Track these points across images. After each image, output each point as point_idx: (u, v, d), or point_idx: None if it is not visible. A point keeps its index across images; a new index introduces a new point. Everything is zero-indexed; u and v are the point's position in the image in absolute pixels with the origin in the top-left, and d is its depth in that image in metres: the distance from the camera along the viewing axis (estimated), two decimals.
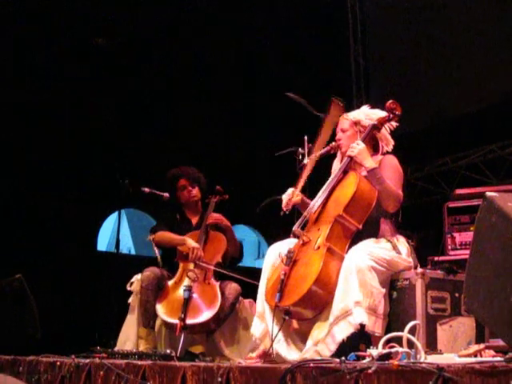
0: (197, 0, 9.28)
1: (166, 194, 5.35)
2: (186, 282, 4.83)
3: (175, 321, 4.60)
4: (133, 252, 23.01)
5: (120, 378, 3.57)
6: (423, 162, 8.58)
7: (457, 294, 3.72)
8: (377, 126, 4.07)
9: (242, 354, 4.70)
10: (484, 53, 7.74)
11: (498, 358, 2.62)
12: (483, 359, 2.75)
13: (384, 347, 2.91)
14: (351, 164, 4.01)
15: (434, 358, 2.90)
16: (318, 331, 3.61)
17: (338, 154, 4.26)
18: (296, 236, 3.92)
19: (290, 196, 4.10)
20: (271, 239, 4.41)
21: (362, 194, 3.84)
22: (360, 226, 3.81)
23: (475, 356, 2.88)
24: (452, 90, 8.10)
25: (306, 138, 4.22)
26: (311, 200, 4.11)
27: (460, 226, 6.29)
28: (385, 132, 4.14)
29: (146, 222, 10.91)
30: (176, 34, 9.25)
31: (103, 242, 16.75)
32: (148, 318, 4.84)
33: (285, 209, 4.11)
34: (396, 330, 3.12)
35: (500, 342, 2.76)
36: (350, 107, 4.41)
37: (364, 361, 2.84)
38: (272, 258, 3.99)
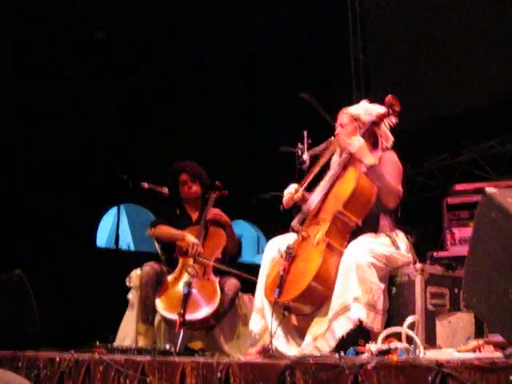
0: (197, 0, 9.26)
1: (166, 190, 5.34)
2: (186, 277, 4.82)
3: (174, 316, 4.60)
4: (132, 247, 22.98)
5: (119, 373, 3.57)
6: (423, 158, 8.58)
7: (456, 290, 3.73)
8: (376, 122, 4.07)
9: (242, 349, 4.70)
10: (485, 48, 7.72)
11: (497, 354, 2.63)
12: (482, 355, 2.75)
13: (383, 343, 2.91)
14: (351, 160, 4.01)
15: (432, 354, 2.91)
16: (317, 327, 3.62)
17: (338, 149, 4.26)
18: (295, 232, 3.92)
19: (292, 194, 4.10)
20: (270, 234, 4.41)
21: (361, 190, 3.84)
22: (359, 222, 3.81)
23: (474, 351, 2.89)
24: (452, 86, 8.09)
25: (305, 132, 4.21)
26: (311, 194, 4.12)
27: (459, 221, 6.29)
28: (384, 128, 4.13)
29: (145, 217, 10.90)
30: (176, 34, 9.22)
31: (102, 238, 16.70)
32: (147, 313, 4.84)
33: (285, 205, 4.11)
34: (395, 326, 3.12)
35: (499, 338, 2.76)
36: (349, 102, 4.40)
37: (363, 356, 2.84)
38: (271, 253, 3.99)
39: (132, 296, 5.03)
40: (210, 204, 5.27)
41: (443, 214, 6.40)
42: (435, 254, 5.95)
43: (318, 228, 3.83)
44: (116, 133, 8.81)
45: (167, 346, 4.01)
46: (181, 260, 5.00)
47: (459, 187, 6.52)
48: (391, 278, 3.76)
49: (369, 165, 3.86)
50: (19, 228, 8.25)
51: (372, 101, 4.26)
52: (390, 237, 3.83)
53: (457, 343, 3.44)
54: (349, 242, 3.74)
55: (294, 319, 3.84)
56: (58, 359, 4.16)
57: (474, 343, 2.98)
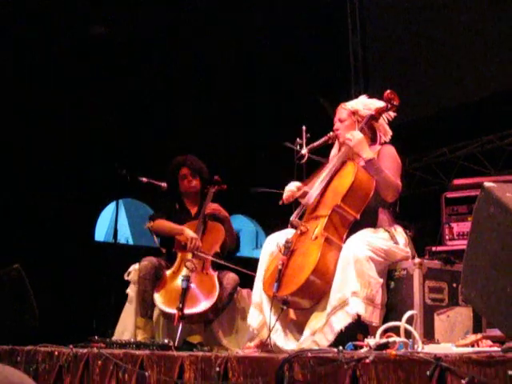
0: (197, 0, 9.25)
1: (164, 184, 5.34)
2: (184, 271, 4.83)
3: (173, 311, 4.61)
4: (131, 242, 23.01)
5: (118, 367, 3.58)
6: (421, 153, 8.58)
7: (454, 284, 3.73)
8: (375, 116, 4.08)
9: (240, 343, 4.71)
10: (484, 44, 7.73)
11: (495, 348, 2.63)
12: (480, 349, 2.76)
13: (381, 337, 2.91)
14: (349, 154, 4.01)
15: (431, 348, 2.91)
16: (316, 321, 3.62)
17: (336, 144, 4.26)
18: (294, 226, 3.92)
19: (293, 192, 4.09)
20: (269, 229, 4.42)
21: (359, 184, 3.84)
22: (358, 216, 3.82)
23: (472, 346, 2.89)
24: (451, 81, 8.09)
25: (304, 127, 4.20)
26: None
27: (458, 216, 6.29)
28: (383, 122, 4.14)
29: (143, 211, 10.92)
30: (176, 34, 9.23)
31: (101, 232, 16.74)
32: (146, 307, 4.84)
33: (286, 201, 4.11)
34: (393, 320, 3.12)
35: (497, 332, 2.76)
36: (348, 97, 4.40)
37: (361, 350, 2.85)
38: (269, 248, 3.99)
39: (130, 290, 5.03)
40: (209, 198, 5.27)
41: (442, 209, 6.40)
42: (434, 248, 5.94)
43: (316, 222, 3.83)
44: (116, 133, 8.81)
45: (166, 340, 4.02)
46: (179, 254, 5.01)
47: (458, 182, 6.51)
48: (390, 272, 3.76)
49: (367, 159, 3.86)
50: (18, 223, 8.25)
51: (371, 96, 4.27)
52: (388, 231, 3.83)
53: (455, 338, 3.44)
54: (348, 237, 3.74)
55: (292, 314, 3.84)
56: (56, 353, 4.17)
57: (472, 338, 2.98)
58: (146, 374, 3.36)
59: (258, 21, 9.53)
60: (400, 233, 3.89)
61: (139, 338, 4.74)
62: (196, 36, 9.22)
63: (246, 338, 4.21)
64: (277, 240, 3.91)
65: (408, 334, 2.91)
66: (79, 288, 8.34)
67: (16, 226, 8.21)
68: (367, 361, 2.30)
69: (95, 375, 3.78)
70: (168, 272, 4.93)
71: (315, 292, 3.66)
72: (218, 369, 2.91)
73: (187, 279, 4.71)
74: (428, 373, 2.09)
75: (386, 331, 2.97)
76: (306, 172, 4.27)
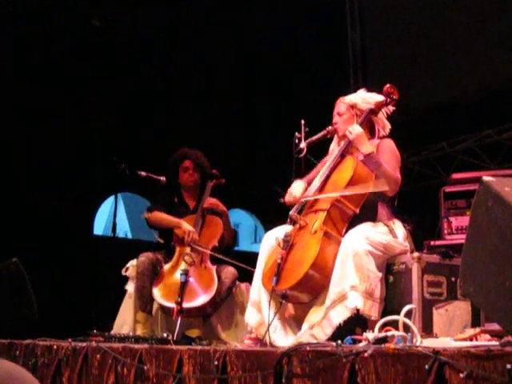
0: (197, 0, 9.24)
1: (163, 178, 5.34)
2: (183, 265, 4.83)
3: (172, 304, 4.61)
4: (129, 236, 23.05)
5: (117, 361, 3.58)
6: (420, 147, 8.57)
7: (453, 278, 3.73)
8: (374, 111, 4.08)
9: (239, 337, 4.72)
10: (483, 38, 7.71)
11: (494, 342, 2.64)
12: (479, 343, 2.76)
13: (380, 331, 2.92)
14: (348, 148, 4.01)
15: (429, 342, 2.91)
16: (314, 315, 3.62)
17: (335, 138, 4.26)
18: (293, 220, 3.92)
19: (296, 198, 4.06)
20: (268, 224, 4.42)
21: (359, 179, 3.84)
22: (357, 210, 3.82)
23: (471, 340, 2.89)
24: (450, 75, 8.08)
25: (303, 121, 4.20)
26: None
27: (456, 210, 6.30)
28: (381, 116, 4.14)
29: (142, 205, 10.90)
30: (176, 34, 9.22)
31: (100, 226, 16.76)
32: (145, 302, 4.84)
33: (287, 203, 4.11)
34: (392, 314, 3.13)
35: (495, 326, 2.77)
36: (347, 92, 4.40)
37: (360, 344, 2.85)
38: (268, 243, 3.99)
39: (129, 287, 5.04)
40: (207, 193, 5.27)
41: (440, 203, 6.40)
42: (432, 242, 5.95)
43: (315, 216, 3.83)
44: (116, 133, 8.81)
45: (164, 334, 4.02)
46: (178, 249, 5.01)
47: (456, 176, 6.52)
48: (388, 266, 3.76)
49: (366, 153, 3.86)
50: (16, 218, 8.25)
51: (370, 90, 4.27)
52: (387, 226, 3.83)
53: (454, 332, 3.45)
54: (347, 231, 3.74)
55: (290, 308, 3.84)
56: (55, 347, 4.18)
57: (470, 332, 2.98)
58: (145, 367, 3.37)
59: (257, 21, 9.52)
60: (399, 227, 3.89)
61: (138, 332, 4.74)
62: (196, 36, 9.22)
63: (245, 332, 4.21)
64: (276, 235, 3.91)
65: (406, 328, 2.91)
66: (78, 282, 8.34)
67: (15, 220, 8.21)
68: (366, 355, 2.30)
69: (94, 369, 3.79)
70: (166, 266, 4.93)
71: (314, 286, 3.66)
72: (216, 362, 2.92)
73: (186, 273, 4.72)
74: (426, 367, 2.09)
75: (384, 325, 2.98)
76: (305, 166, 4.27)
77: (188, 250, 4.93)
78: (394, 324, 2.97)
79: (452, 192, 6.37)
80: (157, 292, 4.78)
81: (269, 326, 3.65)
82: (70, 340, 4.14)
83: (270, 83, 9.58)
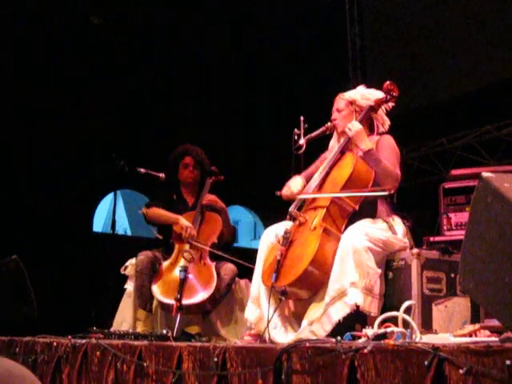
0: (197, 0, 9.24)
1: (162, 175, 5.33)
2: (182, 262, 4.83)
3: (171, 301, 4.61)
4: (129, 233, 23.05)
5: (116, 358, 3.59)
6: (419, 143, 8.58)
7: (452, 275, 3.73)
8: (374, 108, 4.08)
9: (238, 334, 4.72)
10: (482, 34, 7.71)
11: (493, 338, 2.64)
12: (478, 339, 2.76)
13: (379, 327, 2.92)
14: (348, 145, 4.01)
15: (429, 338, 2.91)
16: (314, 311, 3.62)
17: (335, 134, 4.26)
18: (292, 217, 3.92)
19: (293, 194, 4.06)
20: (267, 220, 4.42)
21: (358, 175, 3.84)
22: (356, 207, 3.82)
23: (470, 336, 2.89)
24: (449, 71, 8.08)
25: (302, 118, 4.20)
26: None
27: (456, 206, 6.30)
28: (381, 112, 4.14)
29: (141, 202, 10.90)
30: (176, 34, 9.23)
31: (99, 223, 16.75)
32: (145, 301, 4.83)
33: (284, 197, 4.11)
34: (391, 310, 3.12)
35: (495, 322, 2.77)
36: (346, 88, 4.40)
37: (360, 341, 2.85)
38: (267, 241, 3.99)
39: (128, 285, 5.04)
40: (206, 189, 5.26)
41: (440, 199, 6.40)
42: (432, 238, 5.95)
43: (315, 213, 3.83)
44: (116, 133, 8.81)
45: (164, 331, 4.02)
46: (177, 246, 5.01)
47: (456, 172, 6.52)
48: (388, 262, 3.76)
49: (365, 150, 3.86)
50: (16, 214, 8.25)
51: (369, 86, 4.27)
52: (387, 222, 3.83)
53: (453, 328, 3.45)
54: (346, 228, 3.74)
55: (290, 305, 3.84)
56: (55, 344, 4.18)
57: (470, 328, 2.99)
58: (145, 364, 3.37)
59: (257, 21, 9.53)
60: (398, 223, 3.89)
61: (139, 329, 4.73)
62: (196, 36, 9.22)
63: (244, 328, 4.21)
64: (275, 232, 3.91)
65: (406, 325, 2.91)
66: (77, 279, 8.35)
67: (14, 218, 8.21)
68: (365, 351, 2.30)
69: (94, 366, 3.79)
70: (165, 263, 4.93)
71: (313, 282, 3.66)
72: (216, 359, 2.92)
73: (185, 270, 4.71)
74: (426, 363, 2.10)
75: (384, 321, 2.98)
76: (304, 162, 4.27)
77: (187, 246, 4.93)
78: (394, 320, 2.97)
79: (451, 188, 6.36)
80: (156, 289, 4.78)
81: (268, 322, 3.65)
82: (69, 337, 4.15)
83: (270, 83, 9.58)
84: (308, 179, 4.16)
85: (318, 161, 4.30)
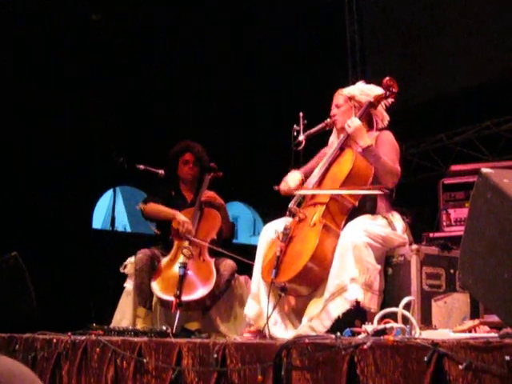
0: (197, 0, 9.24)
1: (162, 171, 5.33)
2: (181, 259, 4.83)
3: (171, 298, 4.61)
4: (128, 229, 23.06)
5: (116, 354, 3.59)
6: (418, 139, 8.57)
7: (452, 270, 3.73)
8: (373, 104, 4.08)
9: (238, 330, 4.72)
10: (482, 29, 7.70)
11: (493, 334, 2.64)
12: (478, 335, 2.76)
13: (379, 323, 2.92)
14: (347, 141, 4.01)
15: (428, 334, 2.91)
16: (313, 307, 3.62)
17: (334, 130, 4.26)
18: (292, 213, 3.92)
19: (291, 189, 4.06)
20: (266, 217, 4.42)
21: (358, 171, 3.84)
22: (356, 203, 3.82)
23: (470, 332, 2.89)
24: (448, 66, 8.07)
25: (301, 114, 4.19)
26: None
27: (455, 202, 6.29)
28: (380, 108, 4.14)
29: (141, 199, 10.92)
30: (176, 34, 9.22)
31: (98, 220, 16.75)
32: (144, 298, 4.83)
33: (282, 193, 4.11)
34: (391, 306, 3.13)
35: (494, 318, 2.77)
36: (345, 84, 4.40)
37: (359, 337, 2.85)
38: (266, 237, 3.99)
39: (128, 284, 5.04)
40: (205, 186, 5.26)
41: (439, 195, 6.40)
42: (431, 234, 5.95)
43: (314, 209, 3.83)
44: (116, 133, 8.81)
45: (164, 327, 4.02)
46: (176, 242, 5.00)
47: (455, 168, 6.51)
48: (387, 258, 3.76)
49: (364, 146, 3.86)
50: (15, 212, 8.25)
51: (368, 82, 4.26)
52: (386, 218, 3.83)
53: (452, 324, 3.45)
54: (346, 224, 3.74)
55: (291, 301, 3.84)
56: (55, 341, 4.18)
57: (469, 323, 2.99)
58: (144, 360, 3.37)
59: (258, 21, 9.53)
60: (398, 219, 3.89)
61: (138, 326, 4.73)
62: (196, 36, 9.21)
63: (244, 324, 4.21)
64: (274, 228, 3.91)
65: (405, 320, 2.91)
66: (77, 275, 8.36)
67: (14, 215, 8.21)
68: (365, 347, 2.31)
69: (93, 362, 3.79)
70: (164, 260, 4.92)
71: (313, 279, 3.66)
72: (215, 355, 2.92)
73: (184, 266, 4.71)
74: (425, 358, 2.10)
75: (383, 317, 2.98)
76: (304, 159, 4.27)
77: (186, 243, 4.93)
78: (393, 316, 2.98)
79: (451, 184, 6.36)
80: (155, 286, 4.78)
81: (268, 318, 3.66)
82: (69, 333, 4.15)
83: (269, 83, 9.58)
84: (307, 174, 4.16)
85: (318, 156, 4.31)
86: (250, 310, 3.94)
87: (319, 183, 3.97)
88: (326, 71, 9.18)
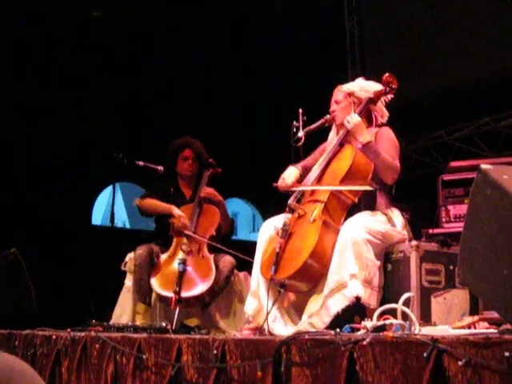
0: (197, 0, 9.23)
1: (161, 168, 5.33)
2: (181, 255, 4.83)
3: (170, 294, 4.61)
4: (128, 226, 23.06)
5: (116, 351, 3.59)
6: (418, 135, 8.57)
7: (451, 267, 3.73)
8: (373, 100, 4.07)
9: (237, 326, 4.72)
10: (481, 29, 7.69)
11: (492, 330, 2.64)
12: (477, 331, 2.76)
13: (378, 319, 2.92)
14: (347, 137, 4.01)
15: (428, 330, 2.91)
16: (313, 304, 3.62)
17: (334, 126, 4.26)
18: (291, 209, 3.92)
19: (288, 185, 4.06)
20: (266, 213, 4.41)
21: (357, 167, 3.84)
22: (355, 199, 3.82)
23: (469, 328, 2.90)
24: (447, 62, 8.07)
25: (300, 110, 4.19)
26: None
27: (454, 198, 6.29)
28: (380, 104, 4.13)
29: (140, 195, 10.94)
30: (176, 34, 9.22)
31: (98, 216, 16.76)
32: (144, 294, 4.84)
33: (280, 189, 4.10)
34: (390, 303, 3.13)
35: (494, 314, 2.77)
36: (344, 81, 4.39)
37: (359, 333, 2.85)
38: (266, 233, 3.99)
39: (128, 279, 5.04)
40: (204, 182, 5.26)
41: (438, 191, 6.40)
42: (430, 230, 5.95)
43: (314, 205, 3.83)
44: (116, 133, 8.81)
45: (163, 324, 4.02)
46: (175, 239, 5.01)
47: (454, 164, 6.51)
48: (387, 254, 3.76)
49: (363, 142, 3.86)
50: (15, 207, 8.25)
51: (368, 78, 4.26)
52: (385, 214, 3.83)
53: (452, 320, 3.45)
54: (345, 220, 3.74)
55: (291, 297, 3.84)
56: (54, 337, 4.18)
57: (468, 320, 2.99)
58: (144, 357, 3.37)
59: (258, 21, 9.52)
60: (397, 215, 3.89)
61: (138, 323, 4.73)
62: (196, 36, 9.21)
63: (244, 320, 4.21)
64: (274, 224, 3.91)
65: (405, 317, 2.91)
66: (76, 272, 8.36)
67: (13, 212, 8.21)
68: (364, 343, 2.31)
69: (93, 359, 3.79)
70: (164, 256, 4.93)
71: (313, 275, 3.66)
72: (215, 351, 2.92)
73: (183, 262, 4.71)
74: (425, 354, 2.10)
75: (383, 313, 2.98)
76: (303, 155, 4.27)
77: (185, 239, 4.93)
78: (393, 312, 2.98)
79: (450, 180, 6.36)
80: (155, 282, 4.78)
81: (267, 314, 3.66)
82: (68, 330, 4.15)
83: (269, 83, 9.58)
84: (305, 169, 4.16)
85: (317, 151, 4.31)
86: (250, 306, 3.93)
87: (319, 179, 3.97)
88: (326, 71, 9.18)
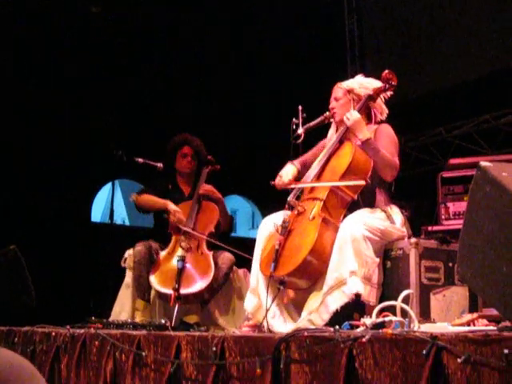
0: (197, 0, 9.22)
1: (160, 165, 5.33)
2: (180, 252, 4.83)
3: (169, 291, 4.61)
4: (127, 222, 23.05)
5: (115, 347, 3.59)
6: (417, 132, 8.57)
7: (450, 264, 3.73)
8: (372, 97, 4.06)
9: (237, 323, 4.72)
10: (481, 29, 7.69)
11: (491, 327, 2.64)
12: (476, 328, 2.76)
13: (378, 316, 2.92)
14: (347, 134, 4.00)
15: (427, 327, 2.92)
16: (313, 301, 3.62)
17: (333, 123, 4.25)
18: (291, 206, 3.92)
19: (285, 183, 4.06)
20: (265, 210, 4.41)
21: (357, 164, 3.84)
22: (355, 197, 3.81)
23: (468, 325, 2.90)
24: (448, 60, 8.07)
25: (300, 107, 4.19)
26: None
27: (454, 195, 6.29)
28: (379, 101, 4.13)
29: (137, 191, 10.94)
30: (176, 34, 9.22)
31: (97, 213, 16.76)
32: (143, 291, 4.84)
33: (277, 187, 4.10)
34: (390, 300, 3.13)
35: (493, 312, 2.77)
36: (344, 78, 4.39)
37: (358, 330, 2.85)
38: (265, 230, 3.98)
39: (127, 277, 5.04)
40: (203, 179, 5.26)
41: (438, 189, 6.40)
42: (430, 228, 5.95)
43: (313, 202, 3.83)
44: (116, 133, 8.81)
45: (162, 321, 4.02)
46: (174, 236, 5.00)
47: (454, 161, 6.51)
48: (386, 252, 3.76)
49: (363, 139, 3.85)
50: (14, 203, 8.25)
51: (367, 76, 4.26)
52: (385, 211, 3.83)
53: (451, 317, 3.45)
54: (345, 217, 3.74)
55: (290, 294, 3.84)
56: (53, 334, 4.18)
57: (468, 317, 2.99)
58: (143, 354, 3.37)
59: (258, 21, 9.52)
60: (396, 213, 3.89)
61: (137, 319, 4.73)
62: (196, 36, 9.20)
63: (243, 317, 4.21)
64: (273, 221, 3.91)
65: (404, 314, 2.91)
66: (76, 269, 8.36)
67: (12, 208, 8.21)
68: (363, 340, 2.31)
69: (92, 355, 3.80)
70: (163, 253, 4.93)
71: (312, 272, 3.66)
72: (214, 348, 2.92)
73: (182, 259, 4.71)
74: (424, 352, 2.10)
75: (382, 310, 2.98)
76: (303, 152, 4.26)
77: (184, 236, 4.93)
78: (392, 309, 2.98)
79: (449, 177, 6.36)
80: (154, 279, 4.78)
81: (266, 311, 3.66)
82: (68, 327, 4.15)
83: (269, 83, 9.57)
84: (304, 165, 4.16)
85: (316, 148, 4.30)
86: (249, 303, 3.93)
87: (318, 176, 3.96)
88: (326, 71, 9.17)
